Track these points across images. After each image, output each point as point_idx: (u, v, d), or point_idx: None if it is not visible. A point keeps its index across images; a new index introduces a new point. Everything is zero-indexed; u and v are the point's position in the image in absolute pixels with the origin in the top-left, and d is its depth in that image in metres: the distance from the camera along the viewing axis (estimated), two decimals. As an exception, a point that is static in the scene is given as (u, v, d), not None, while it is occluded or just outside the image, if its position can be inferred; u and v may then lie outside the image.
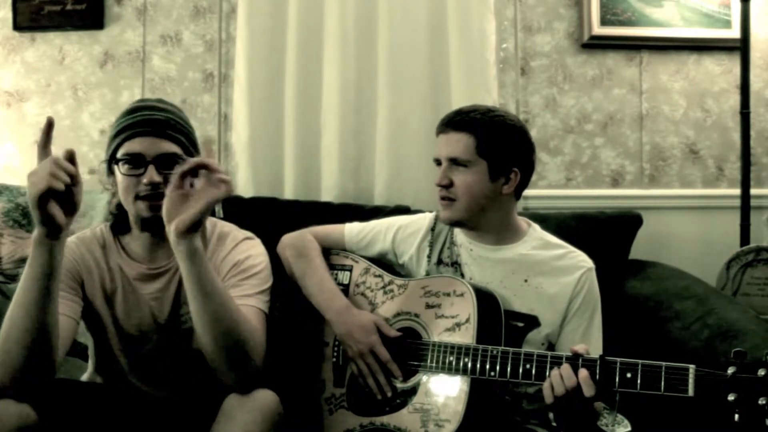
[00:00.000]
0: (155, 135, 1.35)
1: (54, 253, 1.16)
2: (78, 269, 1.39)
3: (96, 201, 1.74)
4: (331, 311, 1.50)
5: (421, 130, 2.26)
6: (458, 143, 1.43)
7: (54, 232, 1.15)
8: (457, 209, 1.45)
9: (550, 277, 1.45)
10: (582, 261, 1.47)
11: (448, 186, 1.44)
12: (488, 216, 1.46)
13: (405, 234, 1.60)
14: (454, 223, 1.49)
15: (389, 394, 1.40)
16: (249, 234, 1.51)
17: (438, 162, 1.48)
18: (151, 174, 1.33)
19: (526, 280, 1.45)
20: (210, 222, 1.48)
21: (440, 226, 1.56)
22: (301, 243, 1.64)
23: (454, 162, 1.43)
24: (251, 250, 1.45)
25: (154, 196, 1.32)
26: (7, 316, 1.19)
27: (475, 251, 1.50)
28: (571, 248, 1.50)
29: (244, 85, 2.28)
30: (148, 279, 1.41)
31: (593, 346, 1.39)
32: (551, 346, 1.45)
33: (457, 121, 1.45)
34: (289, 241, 1.66)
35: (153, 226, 1.35)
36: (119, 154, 1.34)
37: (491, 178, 1.43)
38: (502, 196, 1.45)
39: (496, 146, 1.42)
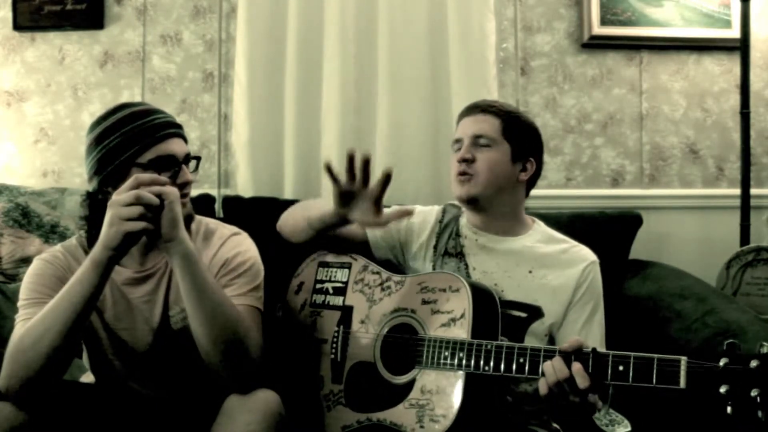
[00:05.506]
0: (178, 136, 1.37)
1: (107, 275, 1.22)
2: (68, 278, 1.35)
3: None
4: None
5: (420, 130, 2.26)
6: (485, 122, 1.49)
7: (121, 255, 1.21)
8: (475, 185, 1.47)
9: (554, 270, 1.46)
10: (587, 254, 1.50)
11: (471, 161, 1.47)
12: (502, 199, 1.49)
13: (419, 220, 1.59)
14: (469, 200, 1.49)
15: None
16: (236, 229, 1.50)
17: (458, 145, 1.51)
18: (187, 174, 1.35)
19: (530, 271, 1.47)
20: (195, 220, 1.48)
21: (448, 218, 1.57)
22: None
23: (479, 140, 1.48)
24: (239, 246, 1.44)
25: (184, 195, 1.33)
26: (29, 335, 1.19)
27: (481, 240, 1.51)
28: (575, 243, 1.52)
29: (244, 85, 2.28)
30: (136, 283, 1.40)
31: (593, 341, 1.38)
32: (552, 339, 1.45)
33: (483, 106, 1.52)
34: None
35: None
36: (146, 159, 1.31)
37: (512, 161, 1.49)
38: (518, 183, 1.51)
39: (518, 132, 1.50)
